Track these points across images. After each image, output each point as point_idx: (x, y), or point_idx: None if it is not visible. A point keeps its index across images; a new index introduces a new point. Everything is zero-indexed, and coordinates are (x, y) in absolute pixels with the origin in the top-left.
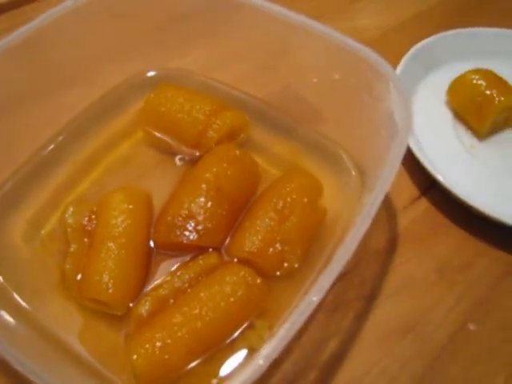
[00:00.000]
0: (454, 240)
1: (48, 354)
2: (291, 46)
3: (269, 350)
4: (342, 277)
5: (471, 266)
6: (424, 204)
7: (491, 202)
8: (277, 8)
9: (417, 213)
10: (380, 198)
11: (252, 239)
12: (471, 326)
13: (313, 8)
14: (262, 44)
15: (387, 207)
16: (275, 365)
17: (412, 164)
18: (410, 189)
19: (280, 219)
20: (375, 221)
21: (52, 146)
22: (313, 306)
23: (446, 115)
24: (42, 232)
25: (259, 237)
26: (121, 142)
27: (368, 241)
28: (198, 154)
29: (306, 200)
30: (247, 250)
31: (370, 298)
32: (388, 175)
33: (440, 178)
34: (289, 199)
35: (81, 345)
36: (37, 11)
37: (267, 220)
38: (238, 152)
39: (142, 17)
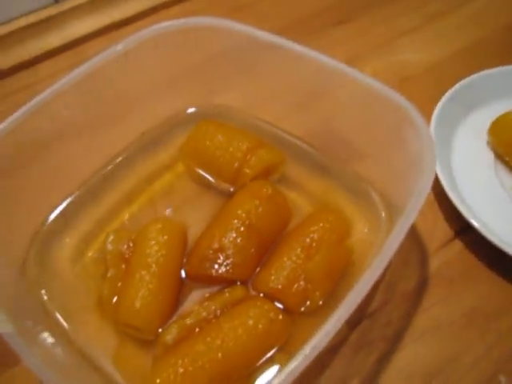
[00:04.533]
0: (488, 285)
1: (81, 372)
2: (327, 88)
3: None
4: (368, 315)
5: (504, 314)
6: (458, 246)
7: None
8: (312, 53)
9: (449, 255)
10: (399, 238)
11: (277, 276)
12: (502, 378)
13: (364, 42)
14: (300, 84)
15: (419, 249)
16: None
17: (448, 205)
18: (444, 230)
19: (306, 257)
20: (406, 262)
21: (99, 177)
22: (320, 347)
23: (487, 156)
24: (86, 257)
25: (284, 274)
26: (163, 174)
27: (397, 282)
28: (234, 189)
29: (332, 240)
30: (272, 286)
31: (396, 340)
32: (408, 217)
33: (474, 222)
34: (316, 238)
35: (113, 365)
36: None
37: (293, 258)
38: (270, 190)
39: (184, 57)
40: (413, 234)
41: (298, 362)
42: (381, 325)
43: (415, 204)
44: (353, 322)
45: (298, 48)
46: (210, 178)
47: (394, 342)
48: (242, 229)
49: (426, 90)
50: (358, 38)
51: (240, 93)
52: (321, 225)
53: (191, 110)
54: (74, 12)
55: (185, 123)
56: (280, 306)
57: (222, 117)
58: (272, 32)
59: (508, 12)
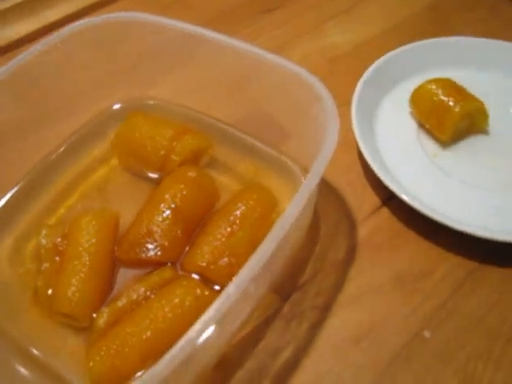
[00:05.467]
0: (414, 248)
1: (20, 367)
2: (252, 74)
3: None
4: (299, 287)
5: (430, 273)
6: (385, 214)
7: (452, 210)
8: (236, 43)
9: (377, 223)
10: (301, 201)
11: (202, 254)
12: (426, 334)
13: (292, 28)
14: (228, 73)
15: (348, 219)
16: (229, 372)
17: (374, 175)
18: (372, 199)
19: (229, 234)
20: (335, 233)
21: (32, 176)
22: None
23: (410, 125)
24: (24, 254)
25: (209, 251)
26: (97, 168)
27: (326, 252)
28: (162, 176)
29: (256, 215)
30: (198, 264)
31: (326, 308)
32: (310, 180)
33: (397, 191)
34: (239, 215)
35: (51, 355)
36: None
37: (218, 236)
38: (194, 173)
39: (113, 53)
40: (342, 206)
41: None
42: (311, 295)
43: (318, 168)
44: (284, 294)
45: (223, 39)
46: (142, 168)
47: (325, 311)
48: (168, 212)
49: (354, 67)
50: (287, 25)
51: (170, 86)
52: (244, 202)
53: (122, 104)
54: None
55: (116, 118)
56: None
57: (153, 109)
58: (202, 24)
59: None
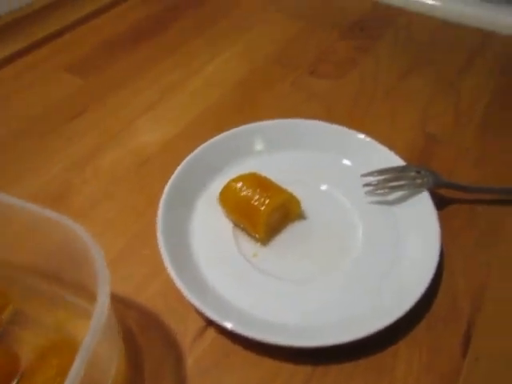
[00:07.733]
0: (246, 366)
1: None
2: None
3: None
4: None
5: None
6: (211, 333)
7: (276, 317)
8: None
9: (205, 345)
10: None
11: None
12: None
13: (102, 132)
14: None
15: (173, 348)
16: None
17: None
18: (195, 320)
19: None
20: (160, 368)
21: None
22: None
23: (226, 226)
24: None
25: None
26: None
27: None
28: None
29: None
30: None
31: None
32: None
33: (213, 317)
34: None
35: None
36: None
37: None
38: None
39: None
40: (165, 336)
41: None
42: None
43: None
44: None
45: None
46: None
47: None
48: None
49: (165, 169)
50: (97, 128)
51: None
52: (43, 372)
53: None
54: None
55: None
56: None
57: None
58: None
59: (236, 73)
